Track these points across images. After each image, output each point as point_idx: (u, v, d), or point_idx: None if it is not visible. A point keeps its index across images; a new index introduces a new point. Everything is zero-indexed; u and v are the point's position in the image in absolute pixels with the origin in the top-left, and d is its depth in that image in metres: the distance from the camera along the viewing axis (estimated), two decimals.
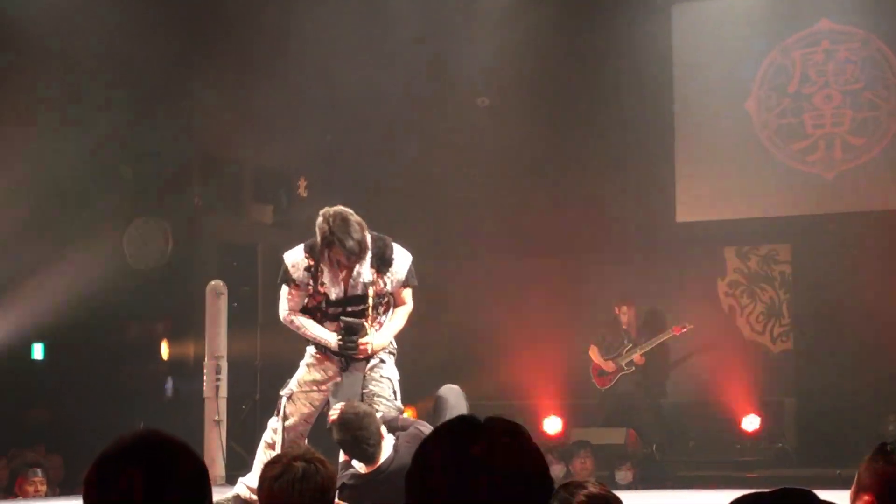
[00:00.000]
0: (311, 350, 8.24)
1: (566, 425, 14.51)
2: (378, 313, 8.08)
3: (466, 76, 15.05)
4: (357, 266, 7.89)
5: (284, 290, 8.11)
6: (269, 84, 14.75)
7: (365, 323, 7.99)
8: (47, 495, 11.26)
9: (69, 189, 13.62)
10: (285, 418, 8.15)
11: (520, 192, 15.38)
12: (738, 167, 15.08)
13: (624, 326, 14.32)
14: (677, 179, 15.29)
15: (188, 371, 13.99)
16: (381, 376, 8.09)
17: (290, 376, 8.30)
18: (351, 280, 7.94)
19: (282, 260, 8.17)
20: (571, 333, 14.88)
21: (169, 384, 14.51)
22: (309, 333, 8.12)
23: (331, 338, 8.01)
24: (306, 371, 8.22)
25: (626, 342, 14.18)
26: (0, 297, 13.19)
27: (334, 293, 7.96)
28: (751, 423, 14.25)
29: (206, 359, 11.82)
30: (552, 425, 14.56)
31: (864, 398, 14.20)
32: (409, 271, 8.16)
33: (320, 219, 7.85)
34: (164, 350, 14.61)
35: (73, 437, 12.78)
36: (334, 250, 7.78)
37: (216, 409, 11.63)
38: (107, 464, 2.36)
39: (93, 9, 12.90)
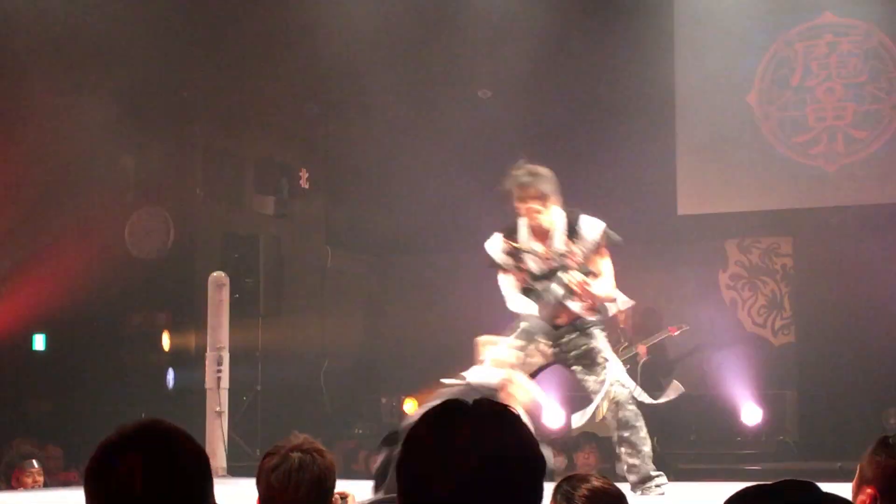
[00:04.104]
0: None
1: (568, 418, 14.51)
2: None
3: (468, 67, 15.05)
4: (552, 240, 8.10)
5: (501, 278, 8.39)
6: (271, 74, 14.76)
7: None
8: (46, 486, 11.25)
9: (71, 179, 13.62)
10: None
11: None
12: (740, 160, 15.07)
13: (621, 325, 14.33)
14: (679, 172, 15.29)
15: (190, 362, 14.00)
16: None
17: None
18: (550, 253, 8.14)
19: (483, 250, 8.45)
20: None
21: (170, 375, 14.52)
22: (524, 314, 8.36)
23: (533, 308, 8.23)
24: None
25: (622, 340, 14.19)
26: (1, 288, 13.19)
27: (536, 268, 8.17)
28: (752, 415, 14.26)
29: (207, 350, 11.82)
30: (554, 417, 14.56)
31: (866, 391, 14.21)
32: (603, 234, 8.19)
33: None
34: (166, 341, 14.61)
35: (75, 427, 12.80)
36: (514, 193, 8.06)
37: (218, 400, 11.63)
38: (108, 452, 2.37)
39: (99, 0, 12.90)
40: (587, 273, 8.15)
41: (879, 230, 14.35)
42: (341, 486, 4.75)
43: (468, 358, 14.84)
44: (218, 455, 11.25)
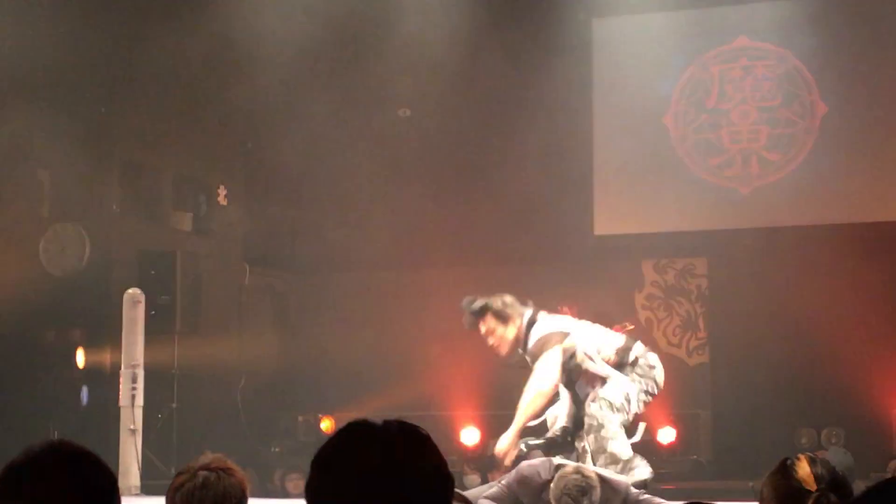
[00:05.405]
0: None
1: (484, 436, 14.54)
2: None
3: (388, 87, 15.06)
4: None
5: None
6: (190, 91, 14.69)
7: None
8: None
9: None
10: None
11: (439, 202, 15.41)
12: (656, 181, 15.20)
13: None
14: (595, 192, 15.38)
15: (104, 379, 13.87)
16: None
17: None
18: None
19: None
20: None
21: (84, 392, 14.37)
22: None
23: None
24: None
25: None
26: None
27: None
28: (666, 435, 14.35)
29: (122, 367, 11.69)
30: (469, 436, 14.58)
31: (779, 411, 14.36)
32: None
33: None
34: (80, 358, 14.46)
35: None
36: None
37: (132, 417, 11.51)
38: (13, 475, 2.34)
39: (16, 14, 12.77)
40: None
41: (793, 252, 14.51)
42: None
43: (384, 376, 14.84)
44: (131, 473, 11.13)
